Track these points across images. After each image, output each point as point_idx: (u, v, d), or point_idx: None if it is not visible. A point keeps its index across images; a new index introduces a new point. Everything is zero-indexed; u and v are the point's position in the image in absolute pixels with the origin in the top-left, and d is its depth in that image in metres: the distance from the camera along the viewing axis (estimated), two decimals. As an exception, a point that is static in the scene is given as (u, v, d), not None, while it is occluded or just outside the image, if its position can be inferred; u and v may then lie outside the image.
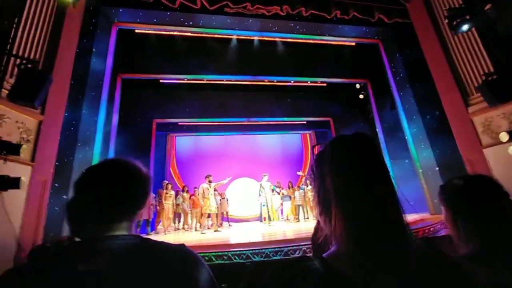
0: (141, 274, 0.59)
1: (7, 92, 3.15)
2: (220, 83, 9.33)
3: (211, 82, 9.25)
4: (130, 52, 7.31)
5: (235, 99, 9.88)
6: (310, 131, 12.68)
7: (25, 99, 3.08)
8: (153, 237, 6.51)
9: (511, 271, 0.71)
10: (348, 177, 0.55)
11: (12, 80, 3.37)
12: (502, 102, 4.05)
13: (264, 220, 7.55)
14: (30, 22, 3.82)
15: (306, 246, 3.99)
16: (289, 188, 8.72)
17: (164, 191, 7.40)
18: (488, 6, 3.94)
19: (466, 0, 4.47)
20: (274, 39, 8.00)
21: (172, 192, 7.60)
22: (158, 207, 7.32)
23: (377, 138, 8.91)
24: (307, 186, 8.30)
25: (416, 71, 6.52)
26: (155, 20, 6.49)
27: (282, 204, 8.38)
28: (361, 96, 9.78)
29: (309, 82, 9.65)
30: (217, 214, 7.67)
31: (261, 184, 7.99)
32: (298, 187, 8.46)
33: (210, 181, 7.13)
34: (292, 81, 9.48)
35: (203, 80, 8.98)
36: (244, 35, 7.60)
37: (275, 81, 9.32)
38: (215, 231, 6.73)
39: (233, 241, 4.98)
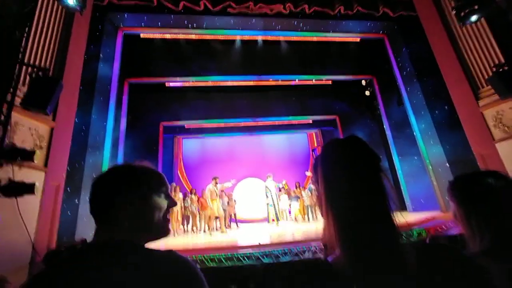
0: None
1: (20, 100, 3.24)
2: (225, 84, 9.35)
3: (216, 83, 9.29)
4: (136, 57, 7.41)
5: (240, 100, 9.90)
6: (316, 130, 12.59)
7: (37, 106, 3.15)
8: (163, 239, 6.63)
9: None
10: (336, 181, 0.55)
11: (24, 89, 3.47)
12: (514, 94, 3.94)
13: (273, 221, 7.51)
14: (39, 31, 3.92)
15: (315, 246, 3.97)
16: (296, 188, 8.68)
17: (173, 193, 7.47)
18: (497, -4, 3.85)
19: (474, -9, 4.37)
20: (277, 38, 7.98)
21: (180, 195, 7.66)
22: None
23: (384, 134, 8.80)
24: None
25: (423, 65, 6.40)
26: (159, 23, 6.56)
27: (290, 204, 8.34)
28: (367, 93, 9.66)
29: (314, 80, 9.58)
30: (224, 215, 7.72)
31: (266, 185, 7.94)
32: (304, 187, 8.43)
33: (216, 183, 7.17)
34: (297, 80, 9.43)
35: (208, 82, 9.03)
36: (248, 35, 7.61)
37: (280, 80, 9.29)
38: (222, 232, 6.76)
39: (242, 242, 4.99)
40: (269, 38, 7.94)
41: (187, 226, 7.84)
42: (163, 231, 0.77)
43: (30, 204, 3.53)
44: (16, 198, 3.16)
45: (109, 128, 5.85)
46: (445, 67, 5.56)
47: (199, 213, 7.71)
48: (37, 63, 3.77)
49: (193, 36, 7.48)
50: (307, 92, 10.46)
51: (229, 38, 7.85)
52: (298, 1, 6.44)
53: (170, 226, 0.82)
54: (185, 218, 7.77)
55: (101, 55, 5.73)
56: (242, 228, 8.37)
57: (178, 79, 8.45)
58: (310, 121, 11.58)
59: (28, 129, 3.64)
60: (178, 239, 6.37)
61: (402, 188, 7.88)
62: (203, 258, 3.91)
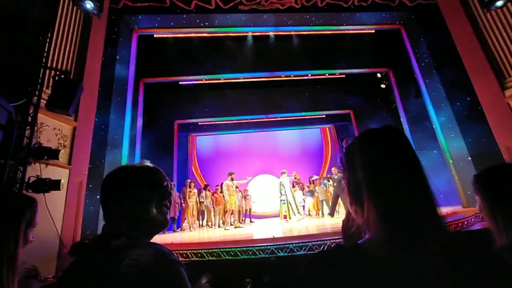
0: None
1: (45, 102, 3.43)
2: (238, 81, 9.40)
3: (229, 80, 9.35)
4: (150, 57, 7.59)
5: (253, 96, 9.92)
6: (330, 125, 12.41)
7: (60, 107, 3.33)
8: (179, 234, 6.75)
9: None
10: (379, 169, 0.57)
11: (48, 91, 3.67)
12: (544, 83, 3.69)
13: (285, 218, 7.46)
14: (61, 35, 4.13)
15: (331, 241, 3.94)
16: (310, 184, 8.62)
17: (188, 189, 7.65)
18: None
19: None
20: (289, 33, 7.89)
21: (195, 190, 7.83)
22: (184, 206, 7.58)
23: (401, 128, 8.52)
24: (329, 181, 8.16)
25: (443, 55, 6.11)
26: (172, 24, 6.68)
27: (304, 199, 8.30)
28: (382, 86, 9.37)
29: (327, 74, 9.41)
30: (239, 210, 7.83)
31: (280, 182, 7.88)
32: (319, 182, 8.35)
33: (232, 179, 7.27)
34: (309, 75, 9.30)
35: (220, 79, 9.11)
36: (259, 31, 7.58)
37: (293, 75, 9.20)
38: (235, 227, 6.85)
39: (256, 236, 5.05)
40: (281, 33, 7.87)
41: (202, 221, 8.02)
42: (158, 223, 0.82)
43: (57, 200, 3.76)
44: (44, 194, 3.38)
45: (127, 127, 6.06)
46: (467, 56, 5.29)
47: (213, 208, 7.85)
48: (59, 66, 3.98)
49: (205, 35, 7.55)
50: (320, 87, 10.31)
51: (241, 35, 7.85)
52: (309, -6, 6.33)
53: (167, 217, 0.86)
54: (201, 213, 7.94)
55: (117, 56, 5.93)
56: (255, 223, 8.45)
57: (191, 77, 8.59)
58: (324, 116, 11.42)
59: (52, 129, 3.86)
60: (194, 233, 6.54)
61: (420, 183, 7.61)
62: (218, 251, 4.01)
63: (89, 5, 3.68)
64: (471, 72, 5.22)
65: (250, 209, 8.75)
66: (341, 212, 7.90)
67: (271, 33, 7.87)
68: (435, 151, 7.20)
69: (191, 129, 11.10)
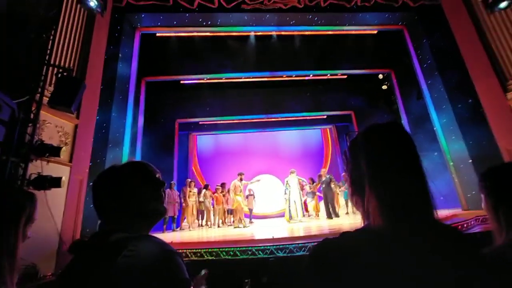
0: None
1: (47, 99, 3.44)
2: (239, 80, 9.40)
3: (231, 80, 9.36)
4: (152, 56, 7.60)
5: (254, 96, 9.92)
6: (331, 125, 12.40)
7: (63, 105, 3.34)
8: (178, 233, 6.74)
9: None
10: (381, 162, 0.60)
11: (51, 88, 3.68)
12: (547, 86, 3.68)
13: (291, 218, 7.28)
14: (64, 33, 4.13)
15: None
16: (312, 184, 8.54)
17: (188, 189, 7.65)
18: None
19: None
20: (292, 33, 7.89)
21: (195, 190, 7.83)
22: (183, 204, 7.59)
23: (403, 130, 8.49)
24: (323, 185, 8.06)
25: (445, 57, 6.10)
26: (175, 22, 6.69)
27: (305, 201, 8.20)
28: (384, 87, 9.36)
29: (329, 75, 9.40)
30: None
31: (287, 181, 7.64)
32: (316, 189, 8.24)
33: (241, 179, 7.28)
34: (311, 75, 9.30)
35: (222, 79, 9.11)
36: (262, 31, 7.58)
37: (294, 75, 9.20)
38: (235, 227, 6.83)
39: (256, 236, 5.05)
40: (283, 33, 7.87)
41: (201, 221, 8.02)
42: (156, 213, 0.84)
43: (57, 197, 3.76)
44: (45, 191, 3.38)
45: (128, 125, 6.07)
46: (470, 58, 5.28)
47: (213, 208, 7.85)
48: (62, 64, 3.98)
49: (207, 34, 7.55)
50: (322, 87, 10.30)
51: (243, 34, 7.85)
52: (312, -6, 6.32)
53: (164, 206, 0.88)
54: (200, 213, 7.95)
55: (120, 55, 5.94)
56: (256, 223, 8.44)
57: (193, 76, 8.60)
58: (325, 117, 11.41)
59: (54, 127, 3.87)
60: (193, 233, 6.55)
61: (421, 185, 7.59)
62: (218, 251, 4.01)
63: (92, 3, 3.69)
64: (474, 74, 5.21)
65: (251, 209, 8.73)
66: (340, 214, 7.88)
67: (273, 33, 7.87)
68: (435, 153, 7.19)
69: (192, 128, 11.11)
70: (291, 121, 11.42)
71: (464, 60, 5.31)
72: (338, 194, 8.25)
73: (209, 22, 6.75)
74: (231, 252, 4.02)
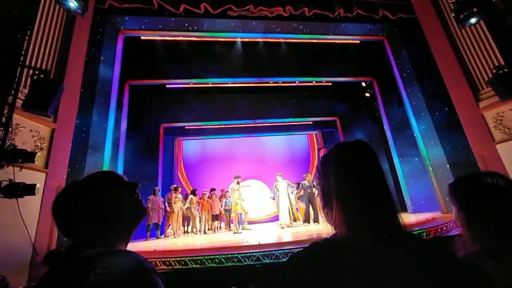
0: None
1: (21, 102, 3.26)
2: (226, 86, 9.39)
3: (217, 85, 9.32)
4: (137, 59, 7.45)
5: (241, 102, 9.94)
6: (316, 131, 12.62)
7: (38, 108, 3.18)
8: (163, 240, 6.53)
9: None
10: (347, 177, 0.65)
11: (26, 90, 3.49)
12: (514, 96, 3.94)
13: (292, 223, 7.14)
14: (41, 33, 3.96)
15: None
16: (297, 189, 8.60)
17: (173, 194, 7.48)
18: (496, -2, 3.86)
19: (472, -7, 4.38)
20: (278, 40, 8.02)
21: (180, 196, 7.67)
22: (168, 210, 7.39)
23: (384, 136, 8.79)
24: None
25: (423, 67, 6.43)
26: (160, 26, 6.61)
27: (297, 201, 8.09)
28: (367, 94, 9.68)
29: (314, 82, 9.61)
30: (228, 216, 7.70)
31: (275, 185, 7.50)
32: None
33: (238, 182, 7.16)
34: (297, 82, 9.46)
35: (208, 83, 9.06)
36: (248, 37, 7.65)
37: (280, 82, 9.32)
38: (234, 233, 6.68)
39: (242, 243, 4.99)
40: (270, 40, 7.98)
41: (187, 227, 7.84)
42: (135, 215, 0.81)
43: (31, 205, 3.54)
44: (17, 199, 3.18)
45: (110, 129, 5.87)
46: (445, 69, 5.57)
47: (199, 214, 7.71)
48: (38, 65, 3.80)
49: (193, 38, 7.52)
50: (308, 94, 10.50)
51: (229, 40, 7.89)
52: (298, 3, 6.48)
53: (142, 205, 0.85)
54: (186, 219, 7.77)
55: (102, 57, 5.78)
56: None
57: (178, 81, 8.49)
58: (310, 123, 11.60)
59: (29, 131, 3.66)
60: (178, 240, 6.37)
61: (402, 189, 7.86)
62: (203, 258, 3.92)
63: (72, 4, 3.56)
64: (449, 84, 5.49)
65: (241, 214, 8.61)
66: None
67: (259, 40, 7.96)
68: (416, 158, 7.48)
69: (177, 133, 10.92)
70: (277, 126, 11.51)
71: (439, 70, 5.60)
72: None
73: (195, 27, 6.74)
74: (216, 260, 3.94)
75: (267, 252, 3.97)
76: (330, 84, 9.99)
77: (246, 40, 7.92)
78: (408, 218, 6.11)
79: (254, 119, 10.38)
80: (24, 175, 3.35)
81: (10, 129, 3.13)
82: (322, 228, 6.14)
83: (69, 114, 4.43)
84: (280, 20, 6.72)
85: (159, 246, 5.39)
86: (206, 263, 3.91)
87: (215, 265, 3.90)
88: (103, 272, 0.60)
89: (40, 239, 3.68)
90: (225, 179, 10.05)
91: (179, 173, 11.47)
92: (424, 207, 7.10)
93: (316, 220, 7.19)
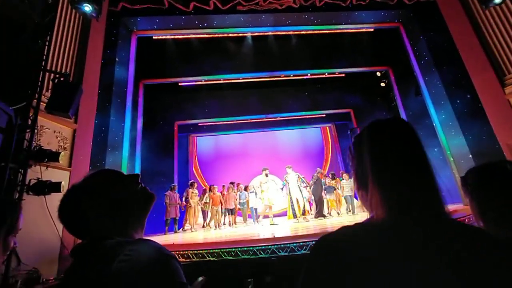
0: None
1: (44, 104, 3.45)
2: (237, 81, 9.42)
3: (228, 81, 9.37)
4: (149, 59, 7.62)
5: (252, 97, 9.94)
6: (330, 124, 12.41)
7: (60, 110, 3.35)
8: (180, 234, 6.70)
9: None
10: (385, 155, 0.61)
11: (48, 94, 3.69)
12: (544, 79, 3.68)
13: (295, 217, 6.99)
14: (60, 38, 4.15)
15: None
16: (332, 180, 8.21)
17: (190, 190, 7.65)
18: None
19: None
20: (288, 33, 7.89)
21: (197, 191, 7.83)
22: (187, 206, 7.57)
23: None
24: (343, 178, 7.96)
25: (442, 53, 6.10)
26: (171, 25, 6.70)
27: (310, 198, 7.85)
28: (382, 84, 9.37)
29: (326, 74, 9.42)
30: (244, 210, 7.72)
31: (285, 178, 7.32)
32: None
33: (266, 174, 7.11)
34: (309, 74, 9.31)
35: (220, 80, 9.13)
36: (258, 31, 7.59)
37: (292, 75, 9.21)
38: (271, 224, 6.65)
39: (258, 236, 5.05)
40: (280, 33, 7.88)
41: (204, 222, 7.98)
42: (144, 201, 0.83)
43: (58, 202, 3.76)
44: (45, 196, 3.39)
45: (127, 128, 6.08)
46: (466, 54, 5.28)
47: (211, 208, 7.79)
48: (58, 69, 3.99)
49: (204, 36, 7.56)
50: (320, 86, 10.31)
51: (240, 35, 7.86)
52: (308, -6, 6.33)
53: (149, 192, 0.86)
54: (205, 214, 7.87)
55: (117, 59, 5.95)
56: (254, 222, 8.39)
57: (190, 78, 8.61)
58: (324, 115, 11.42)
59: (52, 132, 3.87)
60: (195, 234, 6.55)
61: (422, 181, 7.58)
62: (219, 251, 4.01)
63: (87, 8, 3.70)
64: (471, 69, 5.20)
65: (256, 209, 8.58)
66: (337, 212, 7.87)
67: (269, 33, 7.88)
68: (435, 149, 7.18)
69: (191, 130, 11.12)
70: (290, 120, 11.43)
71: (460, 56, 5.31)
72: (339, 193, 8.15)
73: (205, 24, 6.76)
74: (232, 253, 4.02)
75: (282, 245, 4.00)
76: (343, 75, 9.75)
77: (256, 34, 7.86)
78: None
79: (267, 114, 10.36)
80: (50, 174, 3.56)
81: (35, 130, 3.33)
82: (335, 221, 6.09)
83: (89, 115, 4.63)
84: (290, 12, 6.60)
85: (177, 239, 5.57)
86: (223, 256, 4.01)
87: (231, 258, 3.99)
88: (126, 259, 0.63)
89: (67, 234, 3.90)
90: (239, 174, 10.17)
91: (194, 169, 11.71)
92: (445, 199, 6.82)
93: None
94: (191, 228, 7.39)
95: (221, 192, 8.01)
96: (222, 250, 4.05)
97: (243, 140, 12.46)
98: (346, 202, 7.85)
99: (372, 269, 0.51)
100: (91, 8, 3.72)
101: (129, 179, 0.86)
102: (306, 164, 11.66)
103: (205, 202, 7.74)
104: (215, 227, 7.61)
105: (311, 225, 5.98)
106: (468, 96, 5.61)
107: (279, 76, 9.19)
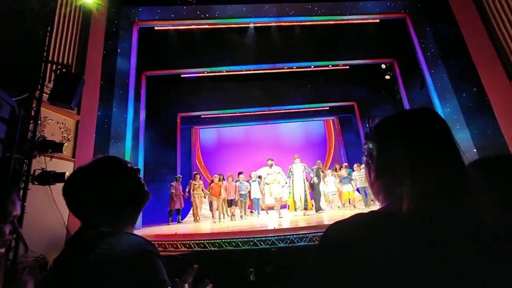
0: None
1: (47, 96, 3.48)
2: (240, 73, 9.34)
3: (231, 73, 9.29)
4: (151, 50, 7.56)
5: (255, 89, 9.86)
6: (333, 117, 12.30)
7: (63, 100, 3.37)
8: (184, 225, 6.80)
9: None
10: (420, 147, 0.59)
11: (50, 85, 3.71)
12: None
13: (295, 209, 6.99)
14: (61, 29, 4.13)
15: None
16: (334, 171, 8.10)
17: (193, 181, 7.71)
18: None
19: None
20: (291, 23, 7.75)
21: (201, 182, 7.88)
22: (191, 197, 7.64)
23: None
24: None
25: (449, 45, 5.96)
26: (172, 15, 6.62)
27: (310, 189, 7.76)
28: (387, 77, 9.21)
29: (330, 66, 9.27)
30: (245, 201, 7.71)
31: (290, 168, 7.10)
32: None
33: (271, 165, 6.90)
34: (312, 66, 9.18)
35: (222, 72, 9.06)
36: (261, 21, 7.45)
37: (295, 67, 9.10)
38: (280, 217, 6.54)
39: (258, 227, 5.12)
40: (283, 24, 7.73)
41: (211, 212, 7.98)
42: (137, 198, 0.83)
43: (62, 192, 3.84)
44: (50, 186, 3.46)
45: (130, 120, 6.11)
46: (474, 46, 5.15)
47: (213, 199, 7.81)
48: (60, 60, 4.00)
49: (206, 26, 7.46)
50: (324, 79, 10.18)
51: (242, 26, 7.74)
52: (312, -17, 6.18)
53: (145, 189, 0.85)
54: (210, 204, 7.90)
55: (118, 50, 5.92)
56: (258, 214, 8.48)
57: (193, 70, 8.56)
58: (327, 108, 11.32)
59: (56, 123, 3.92)
60: (198, 224, 6.67)
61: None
62: (220, 241, 4.09)
63: (88, -2, 3.67)
64: (478, 62, 5.08)
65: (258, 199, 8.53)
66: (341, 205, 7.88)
67: (272, 24, 7.74)
68: (439, 143, 7.10)
69: (194, 122, 11.14)
70: (293, 113, 11.36)
71: (468, 48, 5.18)
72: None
73: (207, 14, 6.67)
74: (233, 243, 4.10)
75: (281, 237, 4.06)
76: (347, 67, 9.59)
77: (259, 25, 7.72)
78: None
79: (269, 106, 10.30)
80: (55, 164, 3.62)
81: (39, 121, 3.37)
82: (338, 214, 6.13)
83: (91, 106, 4.67)
84: (294, 2, 6.47)
85: (180, 229, 5.67)
86: (224, 246, 4.09)
87: (232, 248, 4.07)
88: (102, 252, 0.61)
89: (72, 222, 4.01)
90: (242, 166, 10.20)
91: (197, 161, 11.80)
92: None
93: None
94: (194, 219, 7.50)
95: (211, 183, 7.85)
96: (223, 240, 4.13)
97: (246, 132, 12.47)
98: (360, 194, 7.60)
99: (381, 266, 0.49)
100: (91, -2, 3.69)
101: (130, 172, 0.85)
102: (309, 157, 11.64)
103: (206, 193, 7.76)
104: (219, 218, 7.67)
105: (311, 218, 6.04)
106: (475, 89, 5.50)
107: (282, 68, 9.08)
